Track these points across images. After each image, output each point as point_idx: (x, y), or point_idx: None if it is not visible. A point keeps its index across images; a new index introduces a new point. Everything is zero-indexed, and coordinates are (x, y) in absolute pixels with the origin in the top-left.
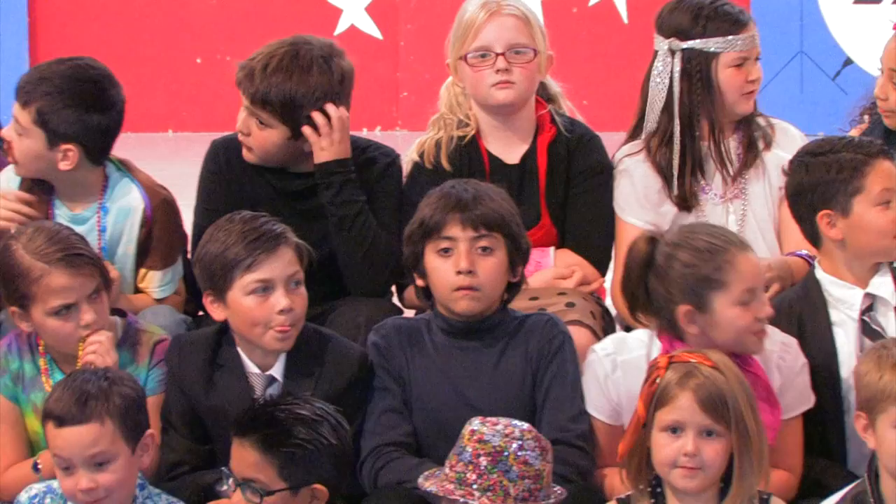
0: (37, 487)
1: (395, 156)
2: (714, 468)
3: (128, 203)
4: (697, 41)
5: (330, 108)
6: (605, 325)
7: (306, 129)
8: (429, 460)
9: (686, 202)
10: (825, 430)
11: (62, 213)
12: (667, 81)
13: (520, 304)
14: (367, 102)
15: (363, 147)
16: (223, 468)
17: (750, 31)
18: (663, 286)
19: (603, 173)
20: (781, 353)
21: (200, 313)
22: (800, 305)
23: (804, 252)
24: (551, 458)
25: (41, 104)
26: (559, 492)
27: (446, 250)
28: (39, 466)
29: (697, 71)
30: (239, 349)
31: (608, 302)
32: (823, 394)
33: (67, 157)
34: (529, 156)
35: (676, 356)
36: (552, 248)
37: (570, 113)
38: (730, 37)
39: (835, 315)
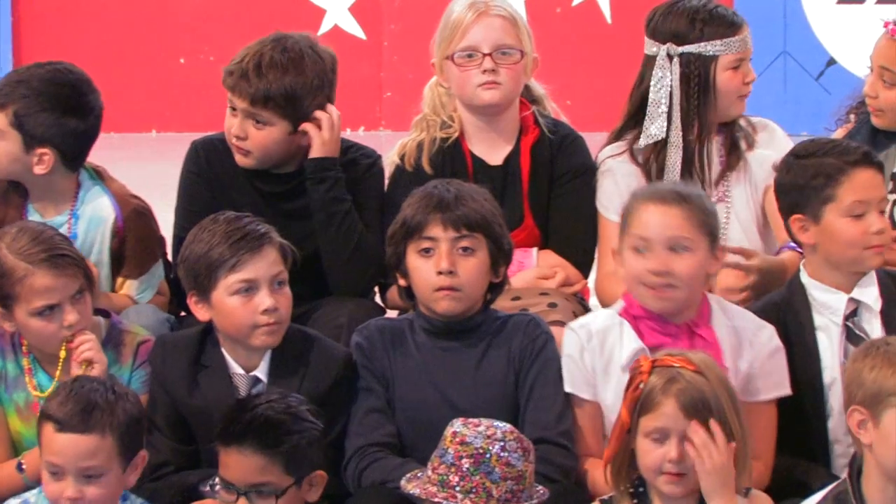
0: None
1: (378, 157)
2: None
3: (99, 212)
4: (696, 45)
5: (330, 107)
6: None
7: (307, 125)
8: (412, 460)
9: None
10: (807, 435)
11: (34, 219)
12: (668, 86)
13: (502, 305)
14: (351, 102)
15: (345, 148)
16: (216, 478)
17: (744, 33)
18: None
19: (586, 174)
20: (755, 331)
21: (183, 314)
22: (784, 308)
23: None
24: (533, 459)
25: (18, 106)
26: (542, 492)
27: (427, 250)
28: (24, 467)
29: (696, 74)
30: (223, 350)
31: (592, 302)
32: (806, 398)
33: (43, 161)
34: (513, 157)
35: (659, 360)
36: (535, 249)
37: (555, 114)
38: (727, 39)
39: (818, 319)
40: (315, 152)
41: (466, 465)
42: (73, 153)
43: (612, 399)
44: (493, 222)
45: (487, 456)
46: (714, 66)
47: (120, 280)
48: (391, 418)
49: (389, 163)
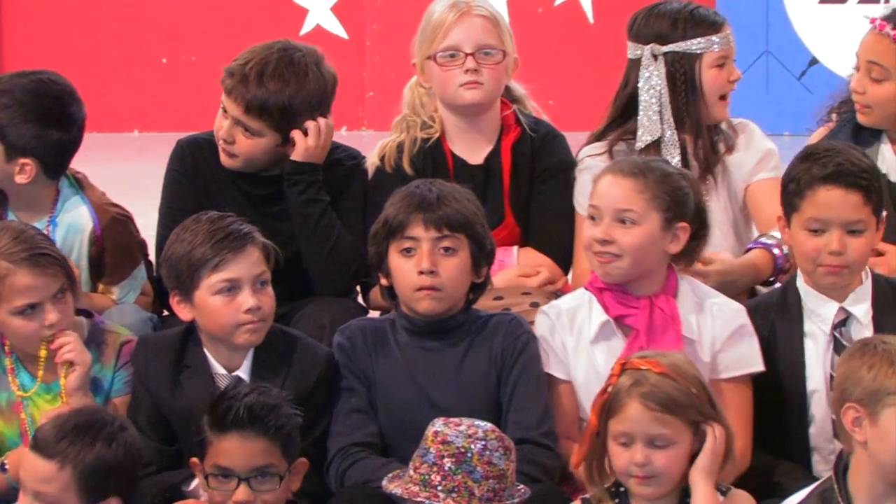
0: None
1: (361, 158)
2: (668, 475)
3: (77, 221)
4: (680, 44)
5: (321, 120)
6: None
7: (296, 133)
8: (395, 460)
9: None
10: (788, 441)
11: None
12: (658, 87)
13: (484, 304)
14: (334, 103)
15: (330, 149)
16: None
17: (727, 31)
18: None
19: (567, 172)
20: (721, 306)
21: (167, 313)
22: (775, 311)
23: (771, 240)
24: (515, 458)
25: (1, 117)
26: (523, 491)
27: (409, 250)
28: (6, 466)
29: (682, 73)
30: (205, 350)
31: None
32: (789, 404)
33: (24, 171)
34: (493, 156)
35: (630, 363)
36: (515, 248)
37: (536, 114)
38: (710, 36)
39: (808, 326)
40: (297, 156)
41: (448, 465)
42: (55, 164)
43: (582, 377)
44: (474, 222)
45: (469, 455)
46: (699, 64)
47: (102, 287)
48: (373, 418)
49: (370, 164)
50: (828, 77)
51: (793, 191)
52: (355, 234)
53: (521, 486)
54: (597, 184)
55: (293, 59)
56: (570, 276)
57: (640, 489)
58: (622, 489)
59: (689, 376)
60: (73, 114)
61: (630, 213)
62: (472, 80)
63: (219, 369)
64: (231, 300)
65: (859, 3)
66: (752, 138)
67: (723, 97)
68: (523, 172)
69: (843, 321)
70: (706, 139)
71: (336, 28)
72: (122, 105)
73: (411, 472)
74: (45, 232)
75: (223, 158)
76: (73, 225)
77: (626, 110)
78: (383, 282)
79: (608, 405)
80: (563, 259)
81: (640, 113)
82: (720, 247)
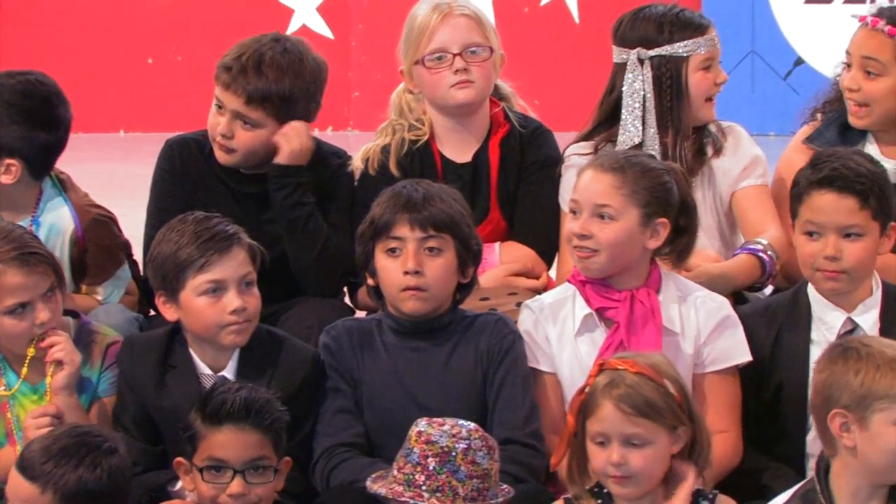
0: None
1: (347, 157)
2: (646, 475)
3: (58, 222)
4: (666, 47)
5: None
6: None
7: (278, 136)
8: (381, 460)
9: None
10: (784, 444)
11: None
12: (641, 91)
13: (470, 304)
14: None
15: (315, 148)
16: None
17: (712, 33)
18: None
19: (554, 166)
20: (704, 298)
21: (153, 313)
22: (783, 315)
23: (758, 246)
24: (498, 457)
25: None
26: (507, 490)
27: (394, 250)
28: None
29: (668, 77)
30: (191, 350)
31: None
32: (789, 409)
33: (10, 172)
34: (481, 152)
35: (607, 363)
36: (497, 244)
37: (523, 111)
38: (696, 39)
39: (815, 333)
40: (281, 159)
41: (432, 465)
42: (40, 165)
43: (567, 370)
44: (460, 223)
45: (453, 454)
46: (685, 66)
47: (85, 288)
48: (359, 418)
49: (354, 168)
50: (813, 77)
51: (794, 195)
52: (342, 235)
53: (505, 485)
54: (579, 177)
55: (286, 48)
56: (554, 273)
57: (618, 489)
58: (605, 490)
59: (668, 377)
60: (59, 115)
61: (608, 209)
62: (462, 80)
63: (204, 369)
64: (216, 301)
65: (845, 2)
66: (739, 144)
67: (709, 99)
68: (511, 167)
69: (850, 331)
70: (691, 142)
71: (322, 28)
72: (107, 105)
73: (395, 472)
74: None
75: (220, 156)
76: (54, 226)
77: (612, 115)
78: (370, 282)
79: (585, 405)
80: (547, 252)
81: (623, 116)
82: (703, 250)
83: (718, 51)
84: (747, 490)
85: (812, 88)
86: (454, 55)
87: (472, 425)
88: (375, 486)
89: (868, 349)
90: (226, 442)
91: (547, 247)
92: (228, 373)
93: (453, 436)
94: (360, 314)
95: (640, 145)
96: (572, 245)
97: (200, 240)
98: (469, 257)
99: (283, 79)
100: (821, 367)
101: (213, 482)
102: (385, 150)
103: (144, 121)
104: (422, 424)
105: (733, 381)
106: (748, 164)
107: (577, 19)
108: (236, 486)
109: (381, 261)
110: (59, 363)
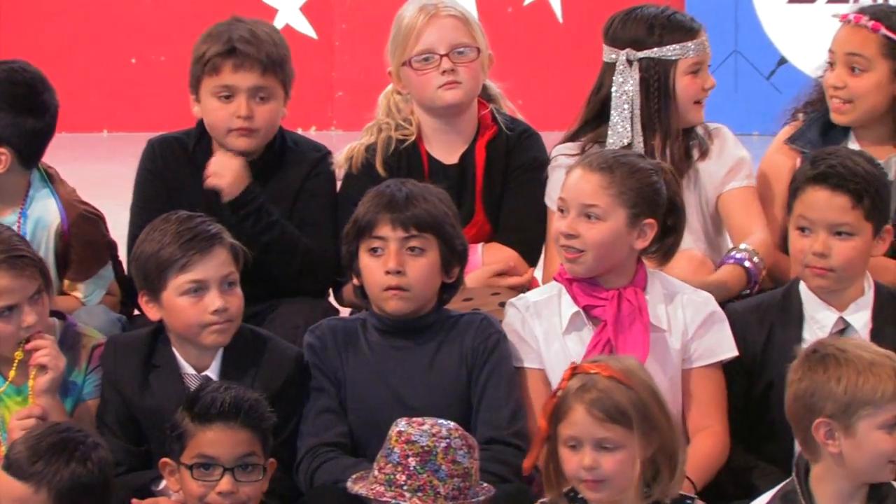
0: None
1: (327, 151)
2: (618, 479)
3: (45, 215)
4: (655, 49)
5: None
6: None
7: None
8: (365, 460)
9: None
10: (773, 444)
11: None
12: (630, 93)
13: (454, 305)
14: (302, 102)
15: (294, 141)
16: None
17: (702, 37)
18: None
19: (540, 169)
20: (691, 295)
21: (137, 313)
22: (775, 313)
23: (742, 254)
24: (478, 456)
25: None
26: (487, 489)
27: (376, 250)
28: None
29: (656, 79)
30: (174, 350)
31: None
32: (778, 408)
33: (0, 161)
34: (468, 154)
35: (580, 367)
36: (480, 245)
37: (511, 113)
38: (686, 43)
39: (807, 332)
40: (227, 195)
41: (413, 464)
42: (30, 152)
43: (555, 367)
44: (444, 223)
45: (434, 454)
46: (673, 70)
47: (67, 283)
48: (343, 418)
49: (337, 168)
50: (797, 77)
51: (791, 190)
52: (323, 234)
53: (486, 484)
54: (567, 176)
55: (256, 21)
56: (540, 274)
57: (590, 494)
58: (580, 495)
59: (640, 381)
60: (46, 101)
61: (595, 209)
62: (450, 81)
63: (188, 369)
64: (198, 301)
65: (828, 2)
66: (724, 146)
67: (697, 102)
68: (497, 169)
69: (842, 331)
70: (678, 144)
71: (305, 28)
72: (91, 105)
73: (376, 472)
74: (17, 225)
75: (241, 143)
76: (41, 219)
77: (599, 114)
78: (355, 281)
79: (557, 409)
80: (530, 255)
81: (612, 117)
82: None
83: (708, 55)
84: (735, 489)
85: (795, 88)
86: (441, 56)
87: (452, 424)
88: (356, 486)
89: (845, 354)
90: (216, 439)
91: (530, 249)
92: (212, 372)
93: (433, 435)
94: (345, 312)
95: (629, 146)
96: (559, 244)
97: (182, 239)
98: (454, 257)
99: (275, 43)
100: (799, 375)
101: (202, 480)
102: (370, 148)
103: (128, 121)
104: (402, 424)
105: (719, 376)
106: (733, 167)
107: (560, 19)
108: (225, 483)
109: (364, 260)
110: (42, 367)
